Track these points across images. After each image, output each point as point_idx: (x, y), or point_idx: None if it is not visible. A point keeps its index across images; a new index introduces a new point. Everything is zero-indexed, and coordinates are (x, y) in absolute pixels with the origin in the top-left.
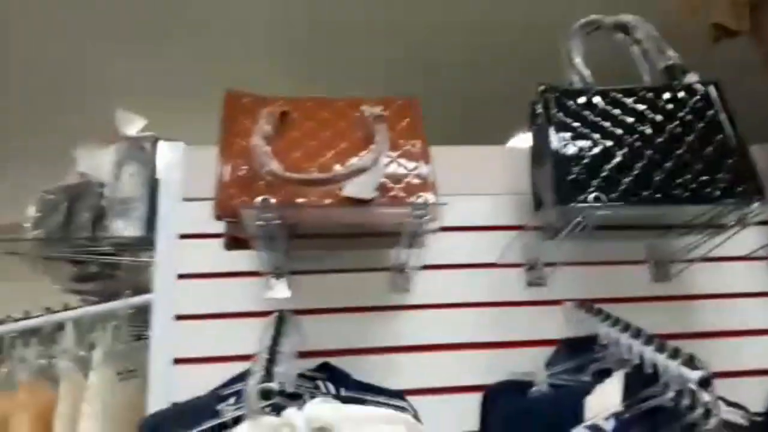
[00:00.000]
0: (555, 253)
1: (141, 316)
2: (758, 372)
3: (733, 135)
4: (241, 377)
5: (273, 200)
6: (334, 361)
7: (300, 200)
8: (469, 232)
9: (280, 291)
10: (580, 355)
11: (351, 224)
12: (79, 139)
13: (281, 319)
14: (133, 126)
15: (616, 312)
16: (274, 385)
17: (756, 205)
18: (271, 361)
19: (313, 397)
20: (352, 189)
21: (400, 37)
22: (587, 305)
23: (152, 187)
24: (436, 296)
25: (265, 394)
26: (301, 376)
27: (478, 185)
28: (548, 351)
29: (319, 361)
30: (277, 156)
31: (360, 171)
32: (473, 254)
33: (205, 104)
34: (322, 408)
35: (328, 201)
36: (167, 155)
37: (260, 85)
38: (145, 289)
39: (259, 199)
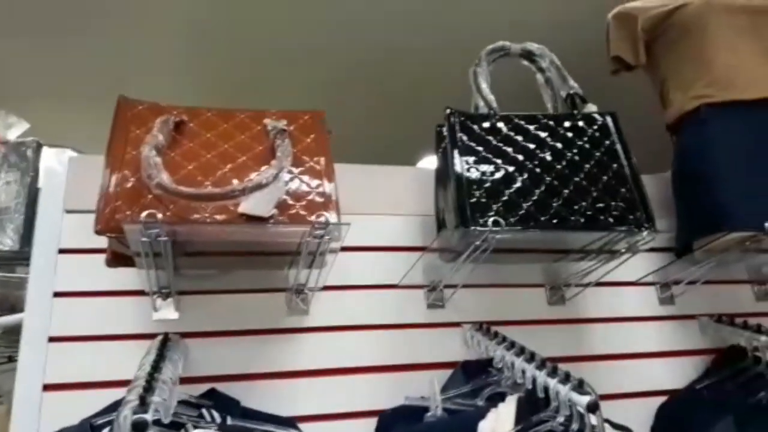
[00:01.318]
0: (456, 275)
1: (14, 336)
2: (646, 393)
3: (627, 165)
4: (116, 406)
5: (160, 215)
6: (225, 387)
7: (192, 216)
8: (372, 253)
9: (168, 312)
10: (476, 379)
11: (247, 242)
12: None
13: (165, 342)
14: (13, 130)
15: (513, 334)
16: (148, 416)
17: (645, 233)
18: (148, 389)
19: (196, 427)
20: (248, 205)
21: (317, 56)
22: (485, 328)
23: (32, 196)
24: (335, 318)
25: (139, 426)
26: (185, 403)
27: (382, 205)
28: (448, 373)
29: (207, 387)
30: (169, 168)
31: (258, 187)
32: (375, 275)
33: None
34: None
35: (222, 217)
36: (51, 163)
37: (166, 98)
38: (18, 305)
39: (144, 213)
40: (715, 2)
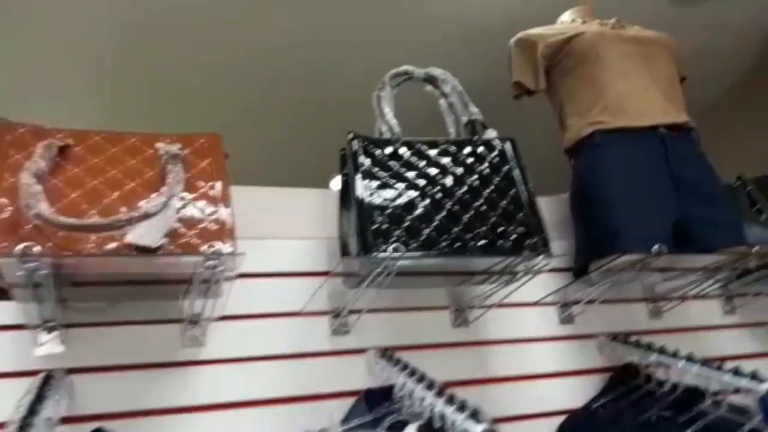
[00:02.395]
0: (360, 300)
1: None
2: (547, 414)
3: (524, 190)
4: None
5: (38, 248)
6: (116, 425)
7: (75, 248)
8: (274, 279)
9: (52, 346)
10: (378, 407)
11: (138, 273)
12: None
13: (46, 381)
14: None
15: (419, 358)
16: None
17: (541, 258)
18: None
19: None
20: (135, 236)
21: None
22: (388, 354)
23: None
24: (234, 349)
25: None
26: None
27: (286, 228)
28: (352, 402)
29: (95, 426)
30: (51, 196)
31: (145, 216)
32: (277, 303)
33: None
34: None
35: (108, 248)
36: None
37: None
38: None
39: (20, 247)
40: (608, 32)
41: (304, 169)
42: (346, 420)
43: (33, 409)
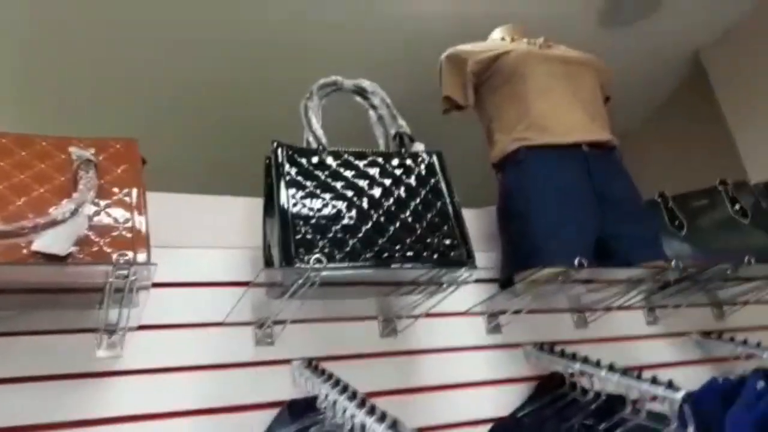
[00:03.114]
0: (284, 311)
1: None
2: (474, 423)
3: (450, 203)
4: None
5: None
6: None
7: None
8: (195, 288)
9: None
10: (302, 419)
11: (47, 282)
12: None
13: None
14: None
15: (346, 368)
16: None
17: (464, 270)
18: None
19: None
20: (42, 243)
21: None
22: (313, 365)
23: None
24: (153, 360)
25: None
26: None
27: (207, 237)
28: (275, 414)
29: None
30: None
31: (53, 223)
32: (198, 312)
33: None
34: None
35: (12, 256)
36: None
37: None
38: None
39: None
40: (535, 52)
41: (233, 175)
42: (270, 431)
43: None
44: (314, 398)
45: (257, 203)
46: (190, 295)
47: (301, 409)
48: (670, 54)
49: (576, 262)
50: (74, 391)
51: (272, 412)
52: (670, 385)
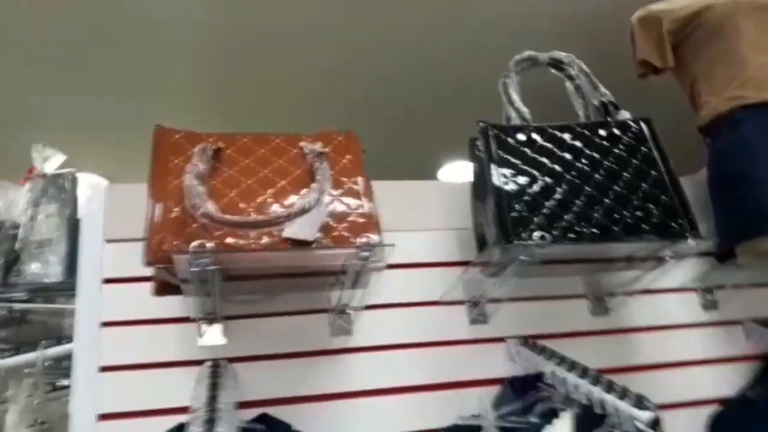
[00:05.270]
0: (497, 289)
1: (57, 364)
2: (693, 403)
3: (665, 171)
4: None
5: (210, 245)
6: (271, 411)
7: (237, 243)
8: (409, 270)
9: (214, 337)
10: (525, 395)
11: (290, 266)
12: None
13: (216, 369)
14: (51, 162)
15: (557, 346)
16: None
17: (691, 241)
18: (211, 420)
19: None
20: (293, 230)
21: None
22: (531, 342)
23: (72, 227)
24: (378, 337)
25: None
26: (240, 430)
27: (414, 221)
28: (493, 390)
29: (256, 412)
30: (212, 196)
31: (302, 211)
32: (414, 292)
33: (126, 139)
34: None
35: (267, 243)
36: (88, 193)
37: (187, 122)
38: (61, 335)
39: (195, 243)
40: (743, 1)
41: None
42: (495, 407)
43: (214, 396)
44: (535, 375)
45: (454, 185)
46: (405, 277)
47: (524, 385)
48: None
49: None
50: (312, 367)
51: (488, 389)
52: None
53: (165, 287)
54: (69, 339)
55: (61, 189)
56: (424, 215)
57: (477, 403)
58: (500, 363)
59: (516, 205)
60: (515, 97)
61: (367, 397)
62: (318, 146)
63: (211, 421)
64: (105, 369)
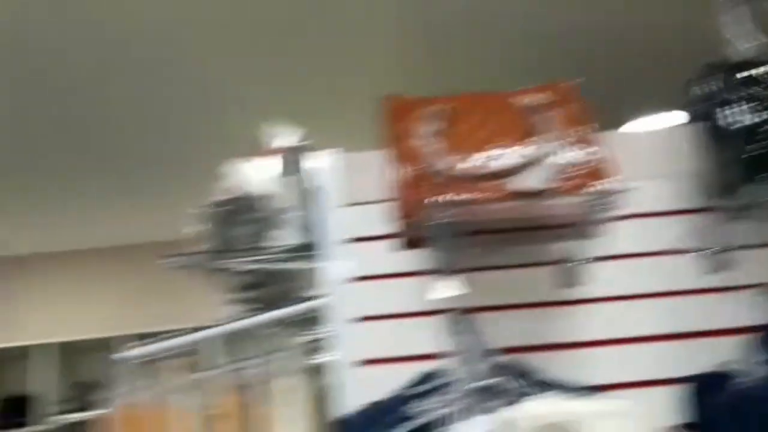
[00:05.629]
0: (736, 235)
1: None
2: None
3: None
4: (427, 378)
5: (458, 198)
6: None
7: (480, 197)
8: (633, 220)
9: (454, 289)
10: None
11: (520, 219)
12: (222, 155)
13: (461, 318)
14: (287, 137)
15: None
16: (489, 382)
17: None
18: (471, 361)
19: (522, 395)
20: (527, 180)
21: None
22: None
23: (310, 195)
24: (606, 289)
25: (479, 393)
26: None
27: (637, 170)
28: (735, 340)
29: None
30: (447, 153)
31: (537, 161)
32: (640, 242)
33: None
34: (546, 404)
35: (504, 195)
36: (325, 163)
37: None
38: (301, 294)
39: (447, 197)
40: None
41: None
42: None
43: (470, 342)
44: None
45: (677, 132)
46: (629, 227)
47: None
48: None
49: None
50: (545, 318)
51: (725, 340)
52: None
53: (411, 242)
54: (308, 298)
55: (299, 161)
56: (644, 164)
57: (717, 354)
58: (734, 313)
59: (754, 145)
60: (737, 31)
61: (604, 347)
62: (541, 97)
63: (471, 361)
64: (359, 320)
